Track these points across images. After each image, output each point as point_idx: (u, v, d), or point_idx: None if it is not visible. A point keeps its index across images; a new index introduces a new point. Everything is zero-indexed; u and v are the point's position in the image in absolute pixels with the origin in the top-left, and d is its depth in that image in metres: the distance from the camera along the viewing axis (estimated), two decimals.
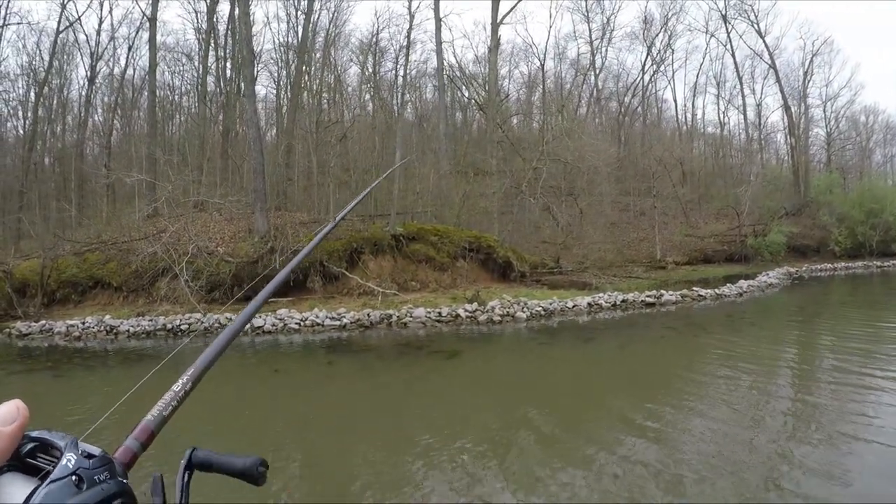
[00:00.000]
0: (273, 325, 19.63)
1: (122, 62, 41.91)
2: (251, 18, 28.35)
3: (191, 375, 1.08)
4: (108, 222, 27.50)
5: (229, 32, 36.90)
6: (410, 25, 34.66)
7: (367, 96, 44.60)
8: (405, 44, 34.78)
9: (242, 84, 30.36)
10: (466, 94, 47.87)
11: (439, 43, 37.26)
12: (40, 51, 39.63)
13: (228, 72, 37.34)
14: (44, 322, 20.70)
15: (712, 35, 59.45)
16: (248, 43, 26.52)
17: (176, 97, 43.66)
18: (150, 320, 20.37)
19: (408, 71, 39.90)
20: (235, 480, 1.01)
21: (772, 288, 30.63)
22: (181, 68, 42.98)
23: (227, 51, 37.49)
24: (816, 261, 44.90)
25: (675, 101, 66.22)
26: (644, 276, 33.74)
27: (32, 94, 38.11)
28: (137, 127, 40.06)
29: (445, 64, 39.38)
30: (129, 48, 40.32)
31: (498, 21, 35.55)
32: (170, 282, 21.98)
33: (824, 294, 29.62)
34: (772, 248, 42.00)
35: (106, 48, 41.12)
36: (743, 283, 28.93)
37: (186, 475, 0.94)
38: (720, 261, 42.11)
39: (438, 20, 37.17)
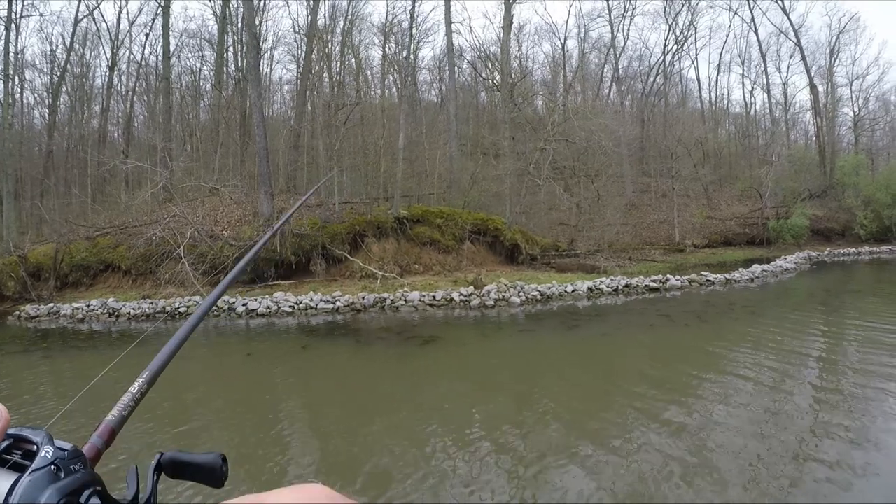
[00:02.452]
0: (268, 307, 19.79)
1: (144, 49, 42.41)
2: (257, 2, 28.30)
3: (146, 378, 1.13)
4: (125, 208, 27.85)
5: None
6: (414, 5, 34.39)
7: (389, 78, 44.77)
8: (409, 23, 34.47)
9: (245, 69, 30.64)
10: (483, 75, 47.65)
11: (449, 23, 37.06)
12: (64, 39, 40.27)
13: (241, 57, 37.56)
14: (52, 305, 21.13)
15: (735, 12, 58.47)
16: (251, 27, 26.55)
17: (199, 82, 44.06)
18: (151, 303, 20.71)
19: (410, 52, 39.52)
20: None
21: (787, 273, 29.72)
22: (202, 54, 43.41)
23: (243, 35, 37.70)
24: (840, 244, 43.79)
25: (699, 80, 65.13)
26: (660, 260, 33.43)
27: (54, 82, 38.71)
28: (158, 113, 40.49)
29: (466, 44, 39.15)
30: (147, 36, 40.79)
31: (511, 1, 35.21)
32: (173, 265, 22.23)
33: (841, 281, 28.32)
34: (794, 231, 41.17)
35: (126, 36, 41.72)
36: (756, 268, 28.30)
37: (155, 475, 0.98)
38: (741, 244, 41.44)
39: (448, 1, 37.06)
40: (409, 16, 33.29)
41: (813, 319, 17.52)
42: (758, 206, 43.59)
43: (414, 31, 42.85)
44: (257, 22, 35.60)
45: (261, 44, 37.67)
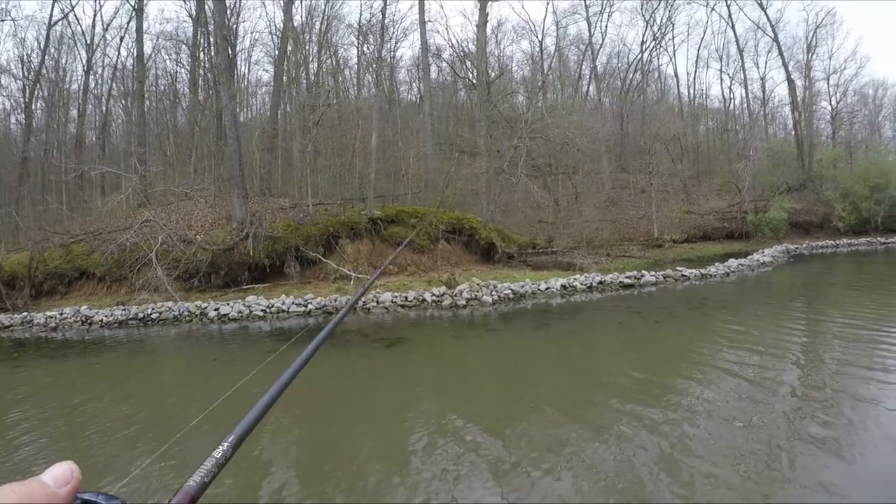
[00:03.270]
0: (240, 312, 19.68)
1: (119, 52, 42.13)
2: (232, 3, 28.18)
3: (231, 442, 1.10)
4: (100, 214, 27.70)
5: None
6: (385, 4, 34.39)
7: (367, 78, 44.69)
8: (382, 23, 34.42)
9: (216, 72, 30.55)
10: (461, 73, 47.70)
11: (423, 22, 37.16)
12: (39, 43, 39.98)
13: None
14: (25, 314, 20.99)
15: (713, 8, 58.84)
16: (223, 28, 26.34)
17: (177, 85, 43.85)
18: (124, 310, 20.58)
19: (383, 52, 39.51)
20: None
21: (764, 267, 29.86)
22: (179, 56, 43.20)
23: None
24: (819, 237, 44.13)
25: (677, 76, 65.54)
26: (638, 255, 33.52)
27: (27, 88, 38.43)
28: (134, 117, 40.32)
29: (445, 43, 39.17)
30: (122, 39, 40.57)
31: None
32: (145, 270, 22.13)
33: (818, 273, 28.31)
34: (772, 225, 41.47)
35: (101, 39, 41.47)
36: (732, 262, 28.27)
37: None
38: (720, 238, 41.75)
39: None
40: (381, 15, 33.17)
41: (785, 314, 17.43)
42: (736, 200, 43.86)
43: (392, 30, 43.04)
44: (232, 23, 35.58)
45: (237, 45, 37.68)
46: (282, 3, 34.61)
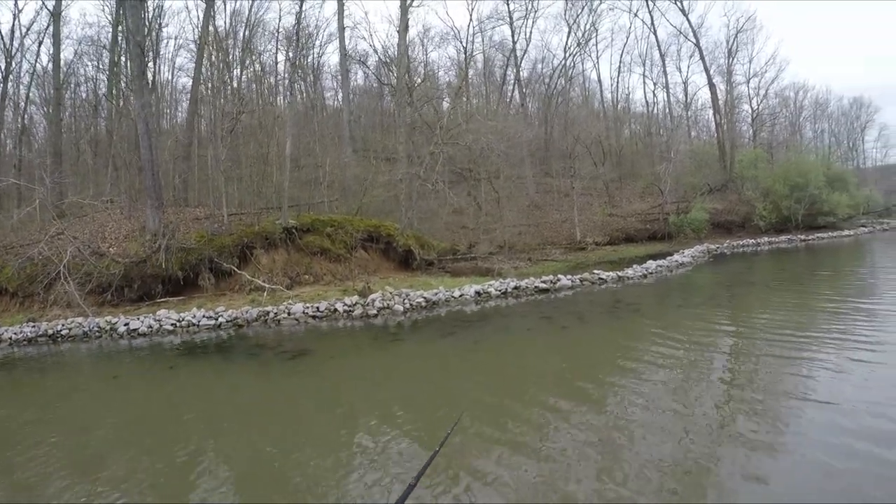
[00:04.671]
0: (149, 326, 19.30)
1: (37, 58, 41.08)
2: (155, 7, 27.77)
3: None
4: (13, 228, 27.02)
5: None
6: (301, 8, 34.27)
7: (293, 85, 44.32)
8: (297, 28, 34.34)
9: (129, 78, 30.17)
10: (385, 80, 47.77)
11: (342, 28, 37.41)
12: None
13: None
14: None
15: (636, 14, 60.03)
16: (135, 34, 25.90)
17: (98, 91, 42.94)
18: (34, 326, 20.13)
19: (300, 58, 39.34)
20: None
21: (683, 267, 30.15)
22: (99, 62, 42.29)
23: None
24: (741, 236, 45.13)
25: (600, 81, 66.52)
26: (560, 259, 33.87)
27: None
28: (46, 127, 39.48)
29: (371, 49, 39.16)
30: (40, 44, 39.59)
31: (408, 4, 35.49)
32: (54, 285, 21.68)
33: (737, 273, 28.69)
34: (693, 225, 42.45)
35: (20, 44, 40.45)
36: (651, 264, 28.53)
37: None
38: (643, 240, 42.45)
39: (341, 4, 37.26)
40: (296, 21, 33.04)
41: (695, 315, 17.64)
42: (659, 202, 44.75)
43: (317, 36, 42.83)
44: (154, 27, 35.10)
45: (160, 50, 37.16)
46: (199, 11, 34.27)
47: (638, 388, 10.21)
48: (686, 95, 62.62)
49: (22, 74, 40.67)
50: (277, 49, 41.85)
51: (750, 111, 60.35)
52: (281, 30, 40.28)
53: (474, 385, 11.61)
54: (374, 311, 20.28)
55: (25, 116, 40.33)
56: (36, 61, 40.28)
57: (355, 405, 10.87)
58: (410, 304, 21.05)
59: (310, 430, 9.56)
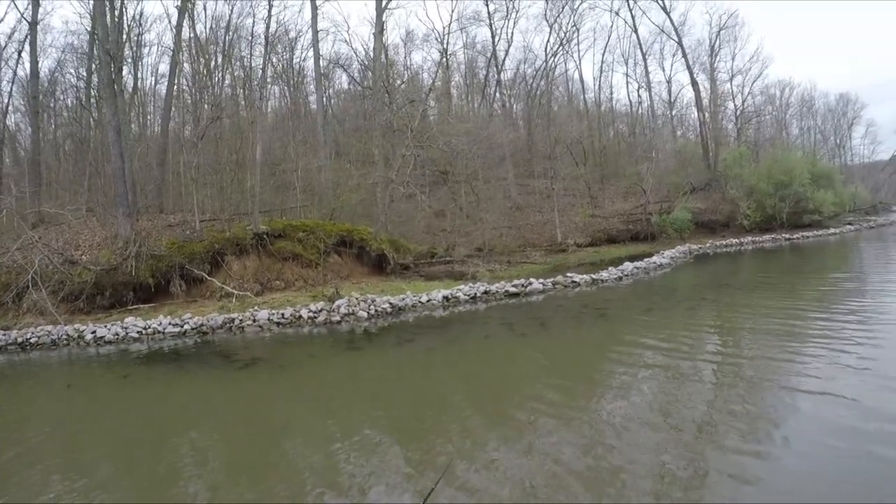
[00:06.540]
0: (116, 334, 19.31)
1: (17, 67, 41.11)
2: (113, 18, 27.72)
3: None
4: None
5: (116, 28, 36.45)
6: (269, 13, 34.32)
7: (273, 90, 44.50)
8: (266, 34, 34.43)
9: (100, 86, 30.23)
10: (364, 83, 47.86)
11: (315, 31, 37.37)
12: None
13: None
14: None
15: (617, 13, 59.97)
16: (104, 42, 25.97)
17: (80, 99, 42.96)
18: (4, 334, 20.20)
19: (267, 63, 39.35)
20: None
21: (661, 269, 29.68)
22: (80, 71, 42.29)
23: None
24: (725, 236, 44.82)
25: (583, 81, 66.43)
26: (540, 261, 33.78)
27: None
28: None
29: (352, 52, 39.19)
30: (19, 54, 39.63)
31: (383, 6, 35.67)
32: (26, 293, 21.74)
33: (717, 274, 28.27)
34: (677, 225, 42.37)
35: (1, 53, 40.48)
36: (627, 266, 28.08)
37: None
38: (625, 240, 42.12)
39: (315, 8, 37.27)
40: (265, 27, 33.12)
41: (662, 322, 16.83)
42: (641, 202, 44.64)
43: (301, 40, 42.84)
44: (134, 34, 35.19)
45: (143, 57, 37.21)
46: (173, 20, 34.31)
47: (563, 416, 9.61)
48: (670, 94, 62.68)
49: (4, 83, 40.76)
50: (252, 54, 41.97)
51: (734, 108, 60.38)
52: (258, 34, 40.41)
53: (406, 402, 11.56)
54: (338, 318, 20.19)
55: (10, 124, 40.41)
56: (16, 69, 40.38)
57: (289, 419, 10.85)
58: (376, 310, 20.93)
59: (228, 447, 9.60)
